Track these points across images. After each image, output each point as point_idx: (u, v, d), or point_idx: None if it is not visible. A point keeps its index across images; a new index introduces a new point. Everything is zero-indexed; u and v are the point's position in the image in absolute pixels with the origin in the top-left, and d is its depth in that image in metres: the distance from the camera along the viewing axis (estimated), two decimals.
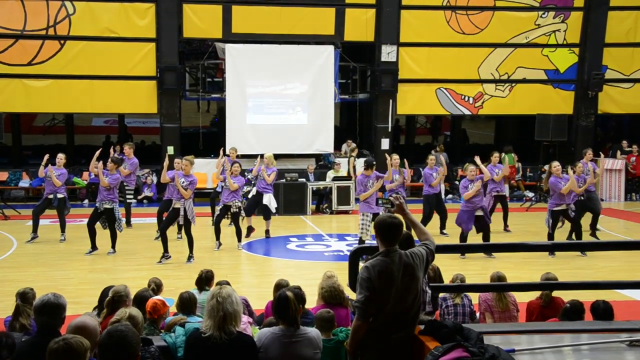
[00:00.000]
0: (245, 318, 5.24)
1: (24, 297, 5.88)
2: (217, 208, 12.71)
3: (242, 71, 18.01)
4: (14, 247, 12.41)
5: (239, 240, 12.32)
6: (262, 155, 13.45)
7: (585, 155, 14.31)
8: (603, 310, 5.44)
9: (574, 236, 12.22)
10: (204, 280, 7.00)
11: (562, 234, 12.43)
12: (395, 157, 12.77)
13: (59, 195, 12.61)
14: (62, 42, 17.42)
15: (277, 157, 18.14)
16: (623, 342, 4.10)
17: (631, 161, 19.00)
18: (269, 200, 13.20)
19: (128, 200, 14.35)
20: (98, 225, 11.71)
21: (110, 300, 5.55)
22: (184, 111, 19.75)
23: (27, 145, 21.15)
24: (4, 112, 17.54)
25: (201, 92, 18.90)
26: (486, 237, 11.72)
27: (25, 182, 17.96)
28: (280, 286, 5.82)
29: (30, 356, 3.84)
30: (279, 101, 18.39)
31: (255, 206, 13.34)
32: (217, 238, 12.25)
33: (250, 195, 13.67)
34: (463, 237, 11.79)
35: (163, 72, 17.61)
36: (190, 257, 11.22)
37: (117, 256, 11.64)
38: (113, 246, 11.72)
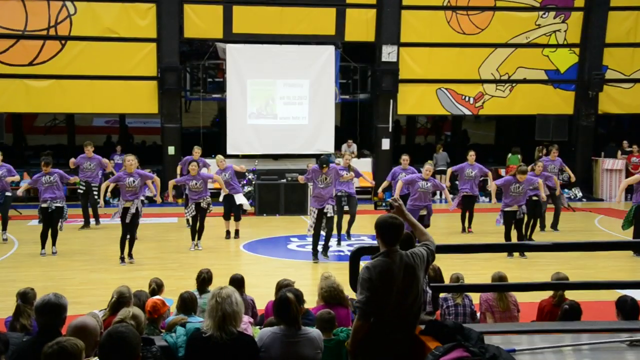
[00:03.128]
0: (246, 318, 5.24)
1: (25, 297, 5.88)
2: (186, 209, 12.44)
3: (243, 71, 18.02)
4: (15, 247, 12.43)
5: (199, 238, 12.21)
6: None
7: (551, 153, 14.36)
8: (631, 307, 5.37)
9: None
10: (207, 280, 6.99)
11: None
12: (347, 155, 13.15)
13: (7, 194, 12.80)
14: (63, 42, 17.44)
15: (277, 157, 18.32)
16: (623, 342, 4.09)
17: (632, 161, 18.99)
18: (242, 199, 13.36)
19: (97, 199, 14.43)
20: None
21: (115, 302, 5.57)
22: (184, 111, 19.75)
23: (29, 146, 21.17)
24: (5, 112, 17.58)
25: (202, 92, 18.91)
26: None
27: (26, 182, 17.92)
28: (281, 286, 5.82)
29: (31, 356, 3.85)
30: (280, 101, 18.40)
31: (230, 208, 13.34)
32: (194, 239, 12.20)
33: (221, 199, 13.56)
34: None
35: (164, 73, 17.63)
36: (130, 256, 11.20)
37: (116, 256, 11.64)
38: (54, 244, 11.80)
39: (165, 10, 17.64)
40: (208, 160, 14.65)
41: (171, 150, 17.90)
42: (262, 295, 7.17)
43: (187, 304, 6.01)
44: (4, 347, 4.18)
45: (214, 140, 19.34)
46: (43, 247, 11.61)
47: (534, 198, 12.48)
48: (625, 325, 4.66)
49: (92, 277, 10.27)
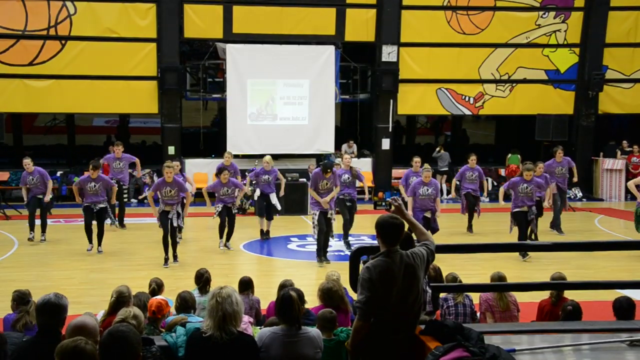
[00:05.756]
0: (246, 318, 5.25)
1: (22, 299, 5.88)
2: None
3: (243, 71, 18.02)
4: (15, 247, 12.43)
5: (228, 240, 12.34)
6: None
7: (557, 154, 14.19)
8: (627, 308, 5.35)
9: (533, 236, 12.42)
10: (206, 280, 6.99)
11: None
12: (347, 157, 12.85)
13: (38, 196, 12.83)
14: (63, 42, 17.43)
15: (277, 157, 18.28)
16: (623, 342, 4.10)
17: (632, 161, 18.99)
18: (276, 200, 13.35)
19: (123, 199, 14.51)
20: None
21: (115, 302, 5.57)
22: (184, 111, 19.77)
23: (28, 146, 21.15)
24: (5, 112, 17.58)
25: (202, 92, 18.91)
26: None
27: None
28: (284, 286, 5.82)
29: (32, 356, 3.85)
30: (280, 101, 18.41)
31: (265, 206, 13.39)
32: (221, 237, 12.33)
33: (256, 198, 13.64)
34: None
35: (164, 72, 17.62)
36: (175, 257, 11.29)
37: (117, 256, 11.67)
38: (100, 244, 12.02)
39: (165, 10, 17.63)
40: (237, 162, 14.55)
41: (171, 150, 17.89)
42: (262, 295, 7.19)
43: (185, 303, 6.03)
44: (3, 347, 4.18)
45: (213, 140, 19.35)
46: (90, 241, 11.79)
47: (536, 198, 12.47)
48: (625, 325, 4.66)
49: (92, 277, 10.28)
